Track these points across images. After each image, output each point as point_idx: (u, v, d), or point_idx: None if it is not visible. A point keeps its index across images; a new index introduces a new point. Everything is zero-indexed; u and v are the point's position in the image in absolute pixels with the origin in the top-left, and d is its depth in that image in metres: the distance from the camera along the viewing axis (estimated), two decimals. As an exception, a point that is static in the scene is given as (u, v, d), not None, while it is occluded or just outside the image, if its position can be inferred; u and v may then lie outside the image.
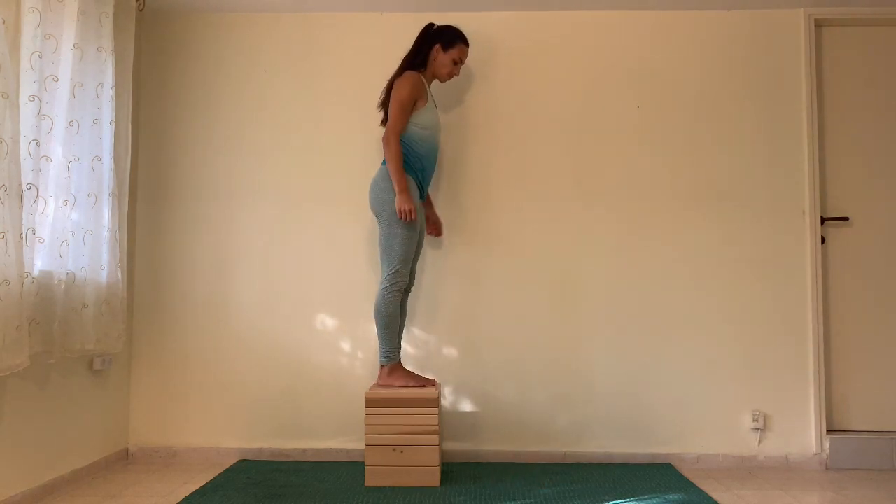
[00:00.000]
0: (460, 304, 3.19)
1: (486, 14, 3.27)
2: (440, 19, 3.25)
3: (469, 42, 3.02)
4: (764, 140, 3.20)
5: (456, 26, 2.96)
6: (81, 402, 2.79)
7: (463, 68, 3.24)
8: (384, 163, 2.84)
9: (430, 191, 3.20)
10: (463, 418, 3.16)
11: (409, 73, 2.84)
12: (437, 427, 2.69)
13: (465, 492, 2.62)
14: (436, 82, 3.21)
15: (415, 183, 2.85)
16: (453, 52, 2.92)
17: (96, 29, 2.74)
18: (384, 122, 2.93)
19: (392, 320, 2.77)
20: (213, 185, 3.26)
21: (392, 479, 2.69)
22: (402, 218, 2.71)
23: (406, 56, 2.95)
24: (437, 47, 2.91)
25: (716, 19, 3.25)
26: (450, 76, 2.96)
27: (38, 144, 2.37)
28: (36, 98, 2.37)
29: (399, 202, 2.71)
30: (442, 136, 3.22)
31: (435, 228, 3.10)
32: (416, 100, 2.83)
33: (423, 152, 2.85)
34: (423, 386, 2.76)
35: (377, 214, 2.82)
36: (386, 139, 2.76)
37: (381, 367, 2.82)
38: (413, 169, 2.84)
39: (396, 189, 2.73)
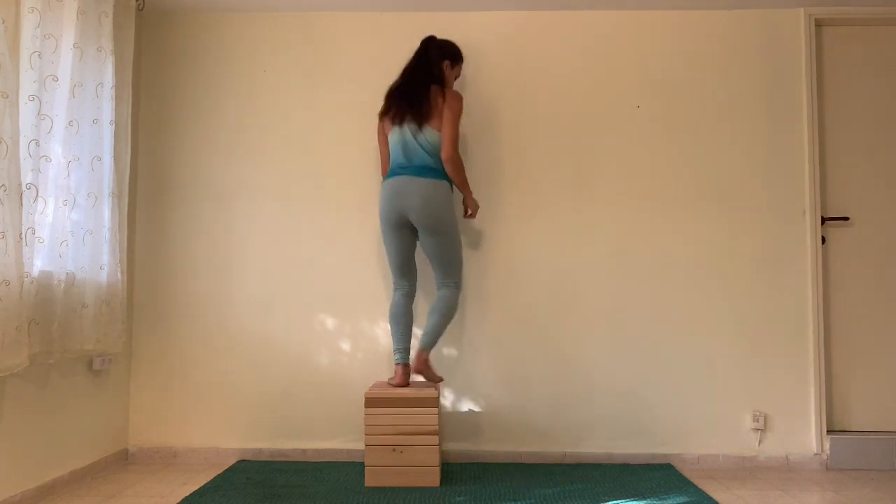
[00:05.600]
0: (460, 304, 3.19)
1: (485, 14, 3.27)
2: (440, 19, 3.25)
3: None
4: (764, 140, 3.20)
5: (452, 41, 2.94)
6: (81, 402, 2.79)
7: (463, 67, 3.25)
8: (432, 175, 2.77)
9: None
10: (463, 418, 3.16)
11: (455, 91, 2.84)
12: (437, 427, 2.69)
13: (465, 492, 2.62)
14: None
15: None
16: (457, 70, 2.99)
17: (96, 29, 2.74)
18: (406, 121, 2.83)
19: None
20: (213, 185, 3.26)
21: (392, 479, 2.68)
22: (473, 216, 2.98)
23: (419, 68, 2.87)
24: (446, 63, 2.92)
25: (716, 19, 3.24)
26: None
27: (37, 144, 2.37)
28: (35, 98, 2.37)
29: (474, 205, 2.94)
30: None
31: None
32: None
33: None
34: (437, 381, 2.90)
35: (440, 231, 2.78)
36: (450, 154, 2.76)
37: (422, 350, 2.80)
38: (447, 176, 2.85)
39: (468, 193, 2.91)
